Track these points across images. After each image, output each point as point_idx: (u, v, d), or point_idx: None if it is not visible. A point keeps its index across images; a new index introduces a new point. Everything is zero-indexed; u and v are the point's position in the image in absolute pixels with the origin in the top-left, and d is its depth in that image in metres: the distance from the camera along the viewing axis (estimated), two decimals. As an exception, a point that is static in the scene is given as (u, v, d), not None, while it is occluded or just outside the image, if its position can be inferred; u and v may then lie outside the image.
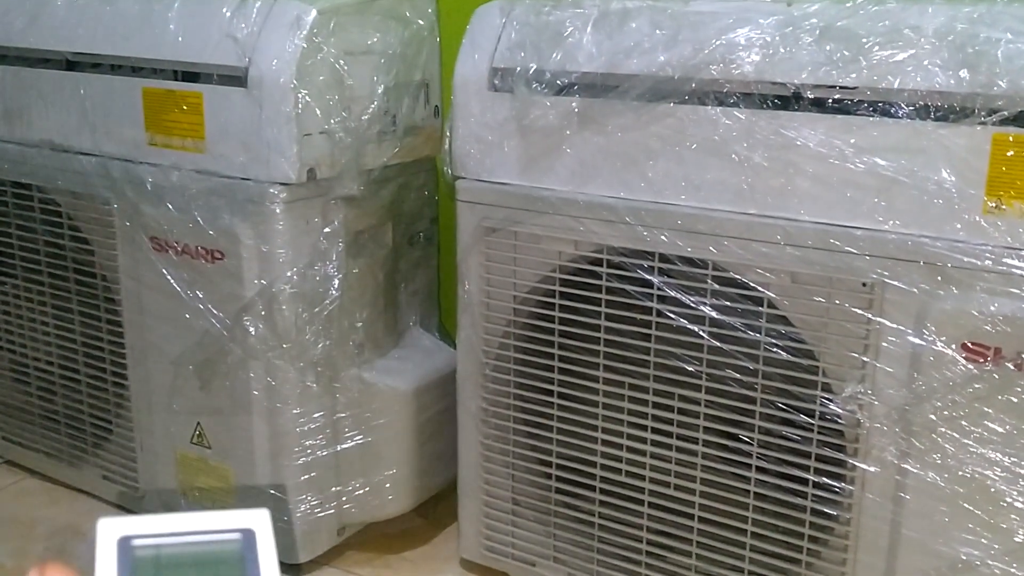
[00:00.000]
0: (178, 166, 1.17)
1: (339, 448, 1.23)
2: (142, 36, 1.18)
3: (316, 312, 1.16)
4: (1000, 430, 0.88)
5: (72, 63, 1.25)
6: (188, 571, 0.31)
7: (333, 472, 1.23)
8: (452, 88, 1.10)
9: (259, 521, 0.33)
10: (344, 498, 1.25)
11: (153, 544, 0.32)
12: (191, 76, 1.14)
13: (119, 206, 1.23)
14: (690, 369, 1.01)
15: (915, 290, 0.89)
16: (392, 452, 1.26)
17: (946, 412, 0.89)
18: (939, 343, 0.89)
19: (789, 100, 0.92)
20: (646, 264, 1.01)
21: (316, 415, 1.20)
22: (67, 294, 1.34)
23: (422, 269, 1.34)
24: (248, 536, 0.33)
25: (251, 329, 1.15)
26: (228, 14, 1.11)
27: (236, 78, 1.10)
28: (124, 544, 0.32)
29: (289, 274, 1.13)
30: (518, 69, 1.05)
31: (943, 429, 0.90)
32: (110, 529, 0.32)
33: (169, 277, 1.19)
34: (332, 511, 1.25)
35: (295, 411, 1.18)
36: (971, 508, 0.90)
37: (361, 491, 1.26)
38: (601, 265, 1.04)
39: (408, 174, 1.26)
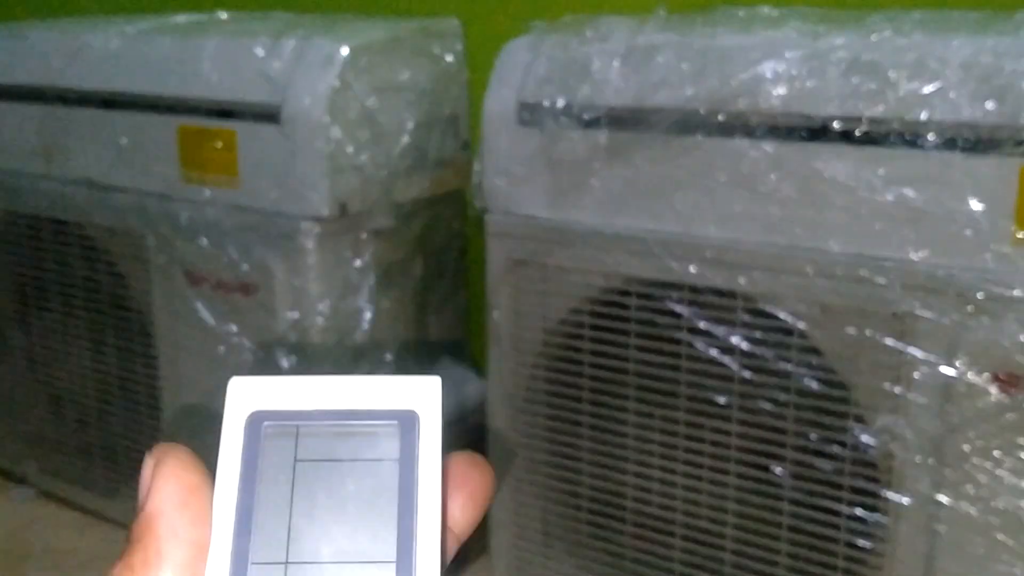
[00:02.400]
0: (212, 202, 1.19)
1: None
2: (177, 75, 1.21)
3: (347, 344, 1.17)
4: (1035, 461, 0.87)
5: (109, 102, 1.28)
6: (328, 472, 0.25)
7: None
8: (481, 123, 1.12)
9: (425, 399, 0.26)
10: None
11: (290, 428, 0.25)
12: (225, 114, 1.17)
13: (154, 241, 1.25)
14: (721, 401, 1.02)
15: (946, 320, 0.89)
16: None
17: (979, 443, 0.89)
18: (971, 373, 0.88)
19: (817, 132, 0.92)
20: (675, 296, 1.02)
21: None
22: (102, 328, 1.36)
23: (452, 301, 1.35)
24: (409, 423, 0.25)
25: (283, 362, 1.16)
26: (262, 53, 1.14)
27: (269, 115, 1.12)
28: (255, 425, 0.25)
29: (321, 307, 1.14)
30: (546, 103, 1.06)
31: (976, 460, 0.89)
32: (241, 397, 0.26)
33: (203, 311, 1.21)
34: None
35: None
36: (1006, 539, 0.90)
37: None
38: (630, 296, 1.05)
39: (438, 208, 1.28)
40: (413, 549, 0.24)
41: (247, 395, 0.26)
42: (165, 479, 0.25)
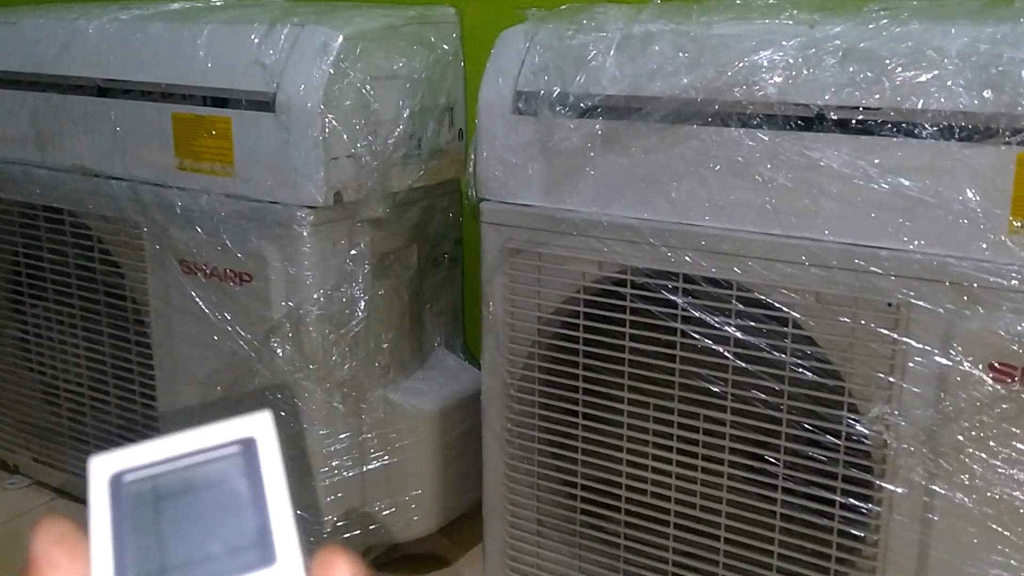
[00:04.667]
0: (207, 190, 1.18)
1: (365, 469, 1.24)
2: (172, 63, 1.20)
3: (342, 333, 1.17)
4: (1029, 451, 0.87)
5: (103, 89, 1.27)
6: (187, 500, 0.29)
7: (359, 493, 1.24)
8: (476, 111, 1.11)
9: (260, 427, 0.30)
10: (370, 519, 1.26)
11: (148, 476, 0.29)
12: (220, 102, 1.16)
13: (149, 229, 1.25)
14: (715, 390, 1.01)
15: (941, 310, 0.89)
16: (417, 473, 1.27)
17: (974, 433, 0.89)
18: (966, 363, 0.88)
19: (812, 121, 0.92)
20: (670, 285, 1.02)
21: (342, 436, 1.21)
22: (97, 316, 1.36)
23: (446, 290, 1.35)
24: (249, 447, 0.29)
25: (278, 351, 1.16)
26: (256, 40, 1.13)
27: (264, 103, 1.12)
28: (116, 481, 0.29)
29: (316, 296, 1.14)
30: (542, 92, 1.06)
31: (971, 450, 0.89)
32: (101, 468, 0.29)
33: (198, 299, 1.21)
34: (358, 532, 1.25)
35: (321, 432, 1.19)
36: (1000, 529, 0.90)
37: (387, 512, 1.27)
38: (625, 286, 1.05)
39: (433, 197, 1.27)
40: (270, 535, 0.27)
41: (107, 465, 0.29)
42: (44, 527, 0.28)
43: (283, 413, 1.18)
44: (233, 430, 0.30)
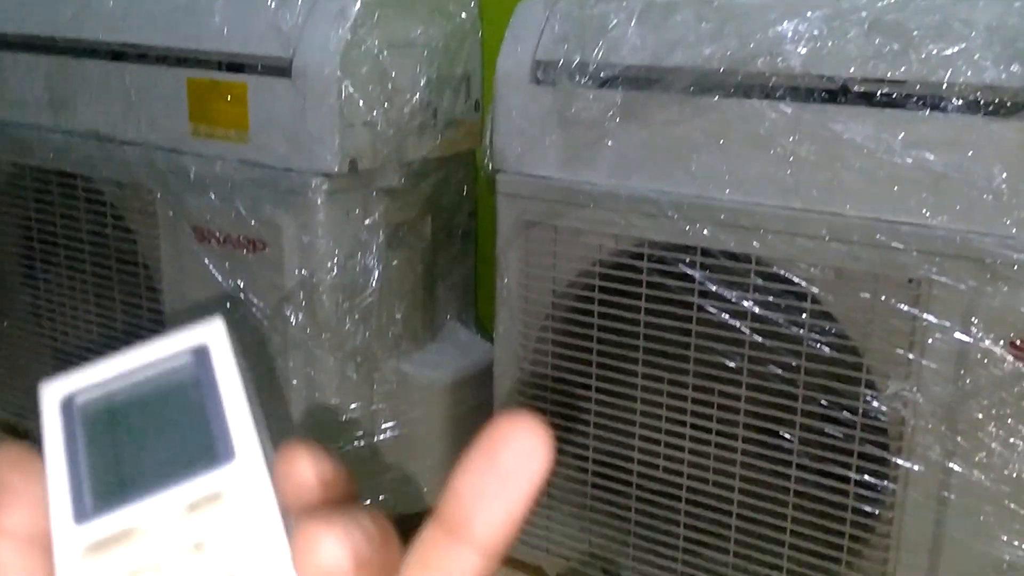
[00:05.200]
0: (221, 156, 1.18)
1: (376, 439, 1.24)
2: (187, 27, 1.19)
3: (356, 303, 1.16)
4: (1048, 430, 0.87)
5: (118, 54, 1.27)
6: (142, 412, 0.28)
7: (369, 464, 1.24)
8: (494, 81, 1.10)
9: (211, 334, 0.29)
10: (380, 490, 1.26)
11: (100, 394, 0.28)
12: (236, 67, 1.15)
13: (163, 196, 1.24)
14: (731, 365, 1.01)
15: (962, 286, 0.88)
16: (428, 444, 1.27)
17: (993, 410, 0.88)
18: (987, 340, 0.87)
19: (836, 94, 0.91)
20: (688, 259, 1.01)
21: (353, 406, 1.20)
22: (109, 283, 1.36)
23: (460, 263, 1.34)
24: (201, 353, 0.28)
25: (291, 319, 1.15)
26: (273, 5, 1.12)
27: (280, 69, 1.11)
28: (68, 403, 0.28)
29: (329, 265, 1.13)
30: (561, 62, 1.04)
31: (990, 428, 0.89)
32: (52, 392, 0.28)
33: (211, 267, 1.20)
34: (367, 502, 1.25)
35: (333, 401, 1.18)
36: (1017, 508, 0.89)
37: (397, 483, 1.27)
38: (642, 259, 1.04)
39: (448, 168, 1.26)
40: (228, 434, 0.26)
41: (58, 389, 0.29)
42: None
43: (295, 382, 1.18)
44: (184, 340, 0.29)
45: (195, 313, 1.22)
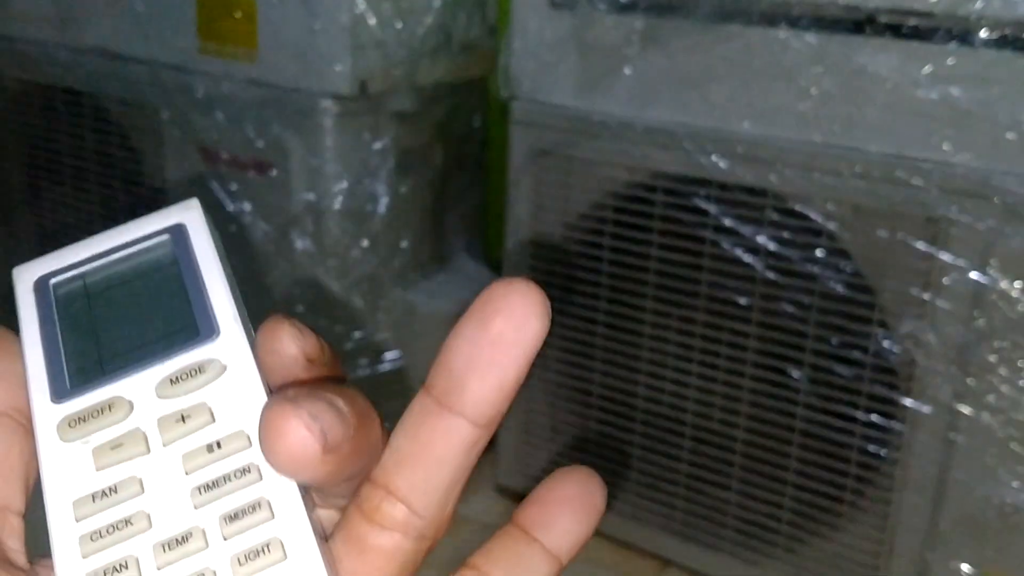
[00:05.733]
0: (229, 75, 1.16)
1: (379, 368, 1.23)
2: (197, -59, 1.17)
3: (363, 229, 1.15)
4: (1061, 374, 0.86)
5: (126, -32, 1.24)
6: (119, 292, 0.27)
7: (372, 393, 1.23)
8: (511, 3, 1.08)
9: (188, 214, 0.28)
10: (382, 419, 1.25)
11: (75, 275, 0.27)
12: (246, -17, 1.13)
13: (169, 115, 1.22)
14: (742, 302, 1.00)
15: (981, 226, 0.86)
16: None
17: (1006, 353, 0.87)
18: (1003, 282, 0.86)
19: (862, 24, 0.89)
20: (703, 192, 0.99)
21: (357, 334, 1.19)
22: (114, 203, 1.34)
23: (470, 194, 1.33)
24: (179, 233, 0.28)
25: (297, 243, 1.14)
26: (285, -80, 1.09)
27: (292, -14, 1.08)
28: (42, 285, 0.27)
29: (337, 189, 1.12)
30: (580, -14, 1.02)
31: (1001, 370, 0.88)
32: (26, 274, 0.28)
33: (217, 188, 1.19)
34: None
35: (337, 329, 1.18)
36: (1022, 452, 0.88)
37: (399, 413, 1.26)
38: (656, 192, 1.02)
39: (460, 95, 1.24)
40: (209, 312, 0.26)
41: (32, 271, 0.28)
42: None
43: (301, 308, 1.17)
44: (160, 220, 0.28)
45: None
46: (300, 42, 1.09)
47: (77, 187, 1.38)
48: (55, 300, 0.27)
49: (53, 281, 0.27)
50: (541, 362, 1.16)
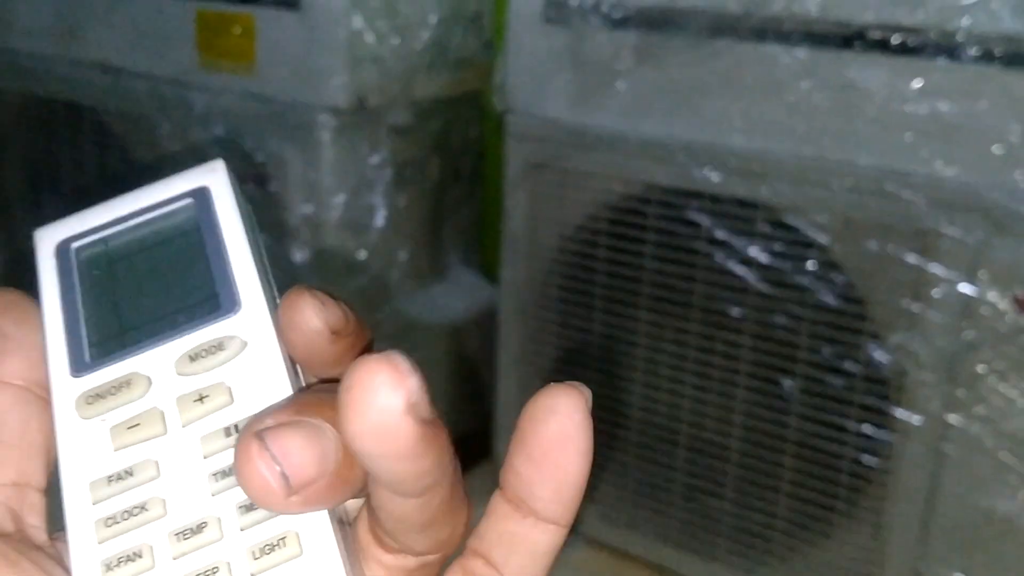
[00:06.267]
0: (228, 89, 1.17)
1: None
2: (197, -43, 1.18)
3: (361, 241, 1.16)
4: (1049, 384, 0.87)
5: (126, -17, 1.25)
6: (141, 259, 0.26)
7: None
8: (506, 19, 1.09)
9: (212, 176, 0.27)
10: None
11: (97, 239, 0.27)
12: (244, -2, 1.14)
13: (168, 129, 1.24)
14: (734, 313, 1.01)
15: (970, 239, 0.87)
16: (430, 386, 1.27)
17: (995, 364, 0.88)
18: (991, 293, 0.87)
19: (852, 40, 0.90)
20: (695, 204, 1.00)
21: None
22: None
23: (466, 206, 1.34)
24: (202, 196, 0.27)
25: (296, 255, 1.15)
26: (284, -64, 1.11)
27: (289, 1, 1.09)
28: (63, 250, 0.27)
29: (335, 202, 1.13)
30: (575, 1, 1.03)
31: (991, 381, 0.89)
32: (47, 237, 0.27)
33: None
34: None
35: (336, 339, 1.19)
36: (1013, 462, 0.89)
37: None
38: (649, 204, 1.03)
39: (457, 108, 1.25)
40: (232, 283, 0.25)
41: (53, 234, 0.27)
42: None
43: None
44: (184, 183, 0.27)
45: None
46: (298, 57, 1.10)
47: (78, 199, 1.39)
48: (76, 266, 0.26)
49: (75, 245, 0.27)
50: (538, 371, 1.17)
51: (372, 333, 0.26)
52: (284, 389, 0.23)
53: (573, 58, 1.04)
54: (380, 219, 1.16)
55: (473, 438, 1.38)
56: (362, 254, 1.17)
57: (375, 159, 1.15)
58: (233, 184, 0.27)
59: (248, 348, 0.24)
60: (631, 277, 1.07)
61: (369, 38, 1.08)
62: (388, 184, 1.16)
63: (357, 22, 1.07)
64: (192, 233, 0.26)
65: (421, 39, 1.14)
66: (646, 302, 1.07)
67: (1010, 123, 0.85)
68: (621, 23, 1.01)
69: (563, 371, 1.16)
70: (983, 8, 0.84)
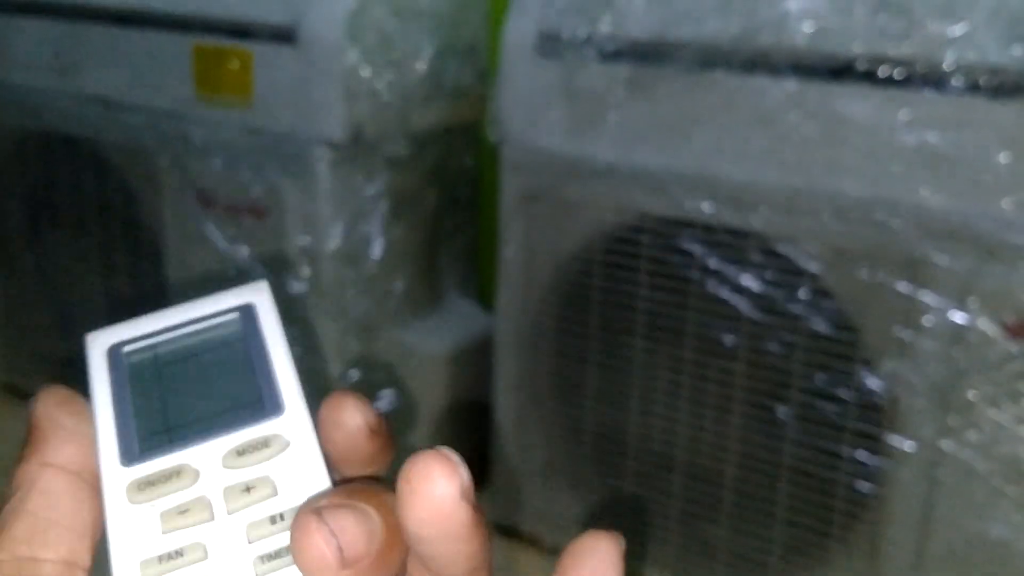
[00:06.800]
0: (226, 123, 1.18)
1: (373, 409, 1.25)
2: (194, -7, 1.20)
3: (358, 272, 1.17)
4: (1040, 410, 0.87)
5: (125, 18, 1.27)
6: (189, 364, 0.28)
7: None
8: (500, 52, 1.11)
9: (258, 294, 0.30)
10: (378, 457, 1.27)
11: (147, 345, 0.29)
12: (241, 33, 1.15)
13: (167, 161, 1.25)
14: (728, 341, 1.02)
15: (959, 267, 0.88)
16: (426, 415, 1.28)
17: (985, 390, 0.89)
18: (981, 321, 0.88)
19: (840, 72, 0.91)
20: (688, 234, 1.01)
21: (352, 374, 1.21)
22: (113, 247, 1.36)
23: (462, 234, 1.35)
24: (248, 312, 0.29)
25: (293, 286, 1.16)
26: (280, -28, 1.12)
27: (286, 36, 1.11)
28: (115, 353, 0.29)
29: (332, 233, 1.14)
30: (566, 35, 1.05)
31: (982, 407, 0.90)
32: (99, 341, 0.29)
33: (214, 232, 1.21)
34: (366, 470, 1.26)
35: (333, 370, 1.19)
36: (1006, 487, 0.90)
37: (395, 453, 1.28)
38: (643, 233, 1.05)
39: (452, 139, 1.27)
40: (276, 388, 0.27)
41: (104, 338, 0.29)
42: (45, 393, 0.28)
43: (296, 350, 1.19)
44: (231, 298, 0.30)
45: (194, 278, 1.24)
46: (295, 91, 1.11)
47: (76, 232, 1.40)
48: (126, 368, 0.28)
49: (126, 349, 0.29)
50: (534, 399, 1.18)
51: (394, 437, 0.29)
52: (323, 483, 0.25)
53: (566, 90, 1.06)
54: (377, 249, 1.17)
55: (470, 466, 1.38)
56: (359, 284, 1.18)
57: (371, 190, 1.16)
58: (273, 302, 0.30)
59: (291, 446, 0.26)
60: (626, 305, 1.08)
61: (365, 72, 1.10)
62: (385, 214, 1.17)
63: (353, 56, 1.08)
64: (237, 343, 0.29)
65: (416, 72, 1.15)
66: (641, 330, 1.08)
67: (997, 153, 0.86)
68: (613, 56, 1.02)
69: (560, 398, 1.16)
70: (968, 41, 0.86)
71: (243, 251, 1.20)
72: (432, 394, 1.28)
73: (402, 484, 0.24)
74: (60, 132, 1.37)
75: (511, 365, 1.18)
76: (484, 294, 1.42)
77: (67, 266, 1.44)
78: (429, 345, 1.26)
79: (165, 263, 1.30)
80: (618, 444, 1.13)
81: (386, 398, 1.26)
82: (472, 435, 1.33)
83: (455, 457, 0.24)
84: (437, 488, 0.24)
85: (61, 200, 1.41)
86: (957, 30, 0.86)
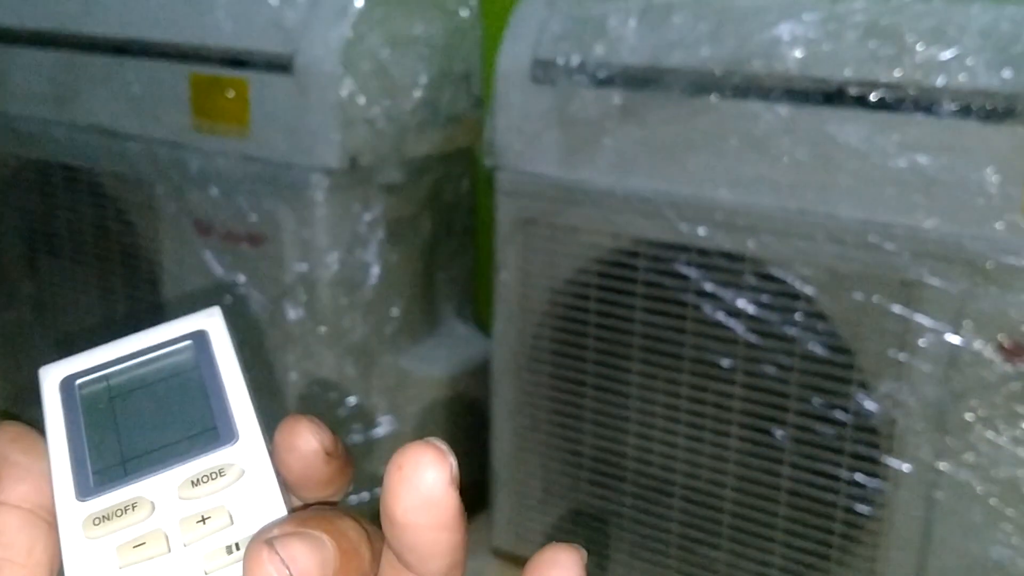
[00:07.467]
0: (223, 151, 1.19)
1: (372, 434, 1.25)
2: (190, 23, 1.20)
3: (355, 298, 1.17)
4: (1037, 431, 0.88)
5: (122, 48, 1.27)
6: (142, 395, 0.28)
7: (365, 458, 1.25)
8: (494, 79, 1.11)
9: (210, 321, 0.30)
10: (375, 484, 1.27)
11: (100, 376, 0.29)
12: (238, 63, 1.16)
13: (164, 190, 1.25)
14: (725, 364, 1.02)
15: (954, 289, 0.89)
16: (425, 439, 1.28)
17: (981, 412, 0.89)
18: (976, 342, 0.88)
19: (832, 96, 0.92)
20: (683, 258, 1.02)
21: (351, 401, 1.21)
22: (110, 275, 1.37)
23: (459, 259, 1.35)
24: (200, 339, 0.29)
25: (291, 313, 1.16)
26: (275, 2, 1.13)
27: (282, 65, 1.12)
28: (67, 385, 0.29)
29: (329, 260, 1.14)
30: (560, 61, 1.05)
31: (979, 429, 0.90)
32: (52, 374, 0.29)
33: (211, 260, 1.21)
34: (366, 498, 1.26)
35: (331, 396, 1.20)
36: (1004, 509, 0.90)
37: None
38: (638, 258, 1.05)
39: (448, 165, 1.27)
40: (230, 416, 0.27)
41: (57, 371, 0.29)
42: None
43: (293, 376, 1.19)
44: (183, 326, 0.30)
45: (194, 304, 1.24)
46: (291, 119, 1.12)
47: (75, 260, 1.41)
48: (80, 401, 0.28)
49: (79, 382, 0.29)
50: (532, 424, 1.18)
51: (352, 460, 0.29)
52: (279, 510, 0.25)
53: (560, 116, 1.06)
54: (374, 276, 1.18)
55: (469, 490, 1.38)
56: (356, 310, 1.18)
57: (368, 217, 1.17)
58: (228, 327, 0.30)
59: (246, 474, 0.26)
60: (622, 329, 1.08)
61: (361, 100, 1.10)
62: (381, 241, 1.18)
63: (349, 85, 1.09)
64: (191, 371, 0.29)
65: (412, 99, 1.16)
66: (637, 354, 1.08)
67: (989, 175, 0.86)
68: (606, 82, 1.03)
69: (557, 423, 1.17)
70: (959, 65, 0.87)
71: (240, 278, 1.20)
72: (430, 418, 1.28)
73: (393, 471, 0.24)
74: (58, 161, 1.38)
75: (508, 390, 1.19)
76: (482, 317, 1.42)
77: (65, 294, 1.44)
78: (427, 369, 1.26)
79: (163, 291, 1.30)
80: (616, 468, 1.13)
81: (384, 423, 1.26)
82: (471, 459, 1.33)
83: (444, 446, 0.24)
84: (428, 474, 0.24)
85: (59, 229, 1.41)
86: (947, 54, 0.87)
